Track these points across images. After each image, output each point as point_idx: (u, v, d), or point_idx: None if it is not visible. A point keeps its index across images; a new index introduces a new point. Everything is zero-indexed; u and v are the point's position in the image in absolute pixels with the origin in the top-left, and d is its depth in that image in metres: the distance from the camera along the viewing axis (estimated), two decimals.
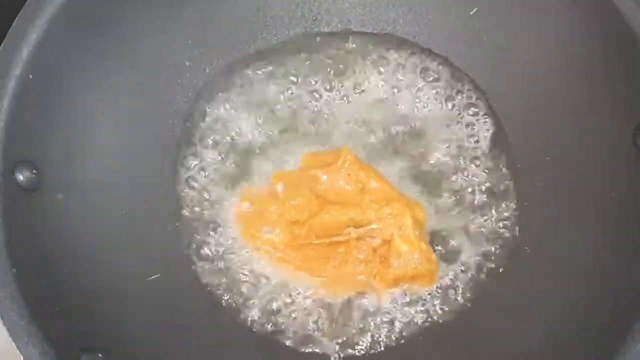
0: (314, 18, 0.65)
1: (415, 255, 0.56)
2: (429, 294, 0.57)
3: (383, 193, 0.57)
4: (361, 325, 0.56)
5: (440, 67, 0.63)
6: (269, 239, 0.57)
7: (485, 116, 0.62)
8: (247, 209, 0.59)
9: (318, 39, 0.65)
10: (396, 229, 0.56)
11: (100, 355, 0.46)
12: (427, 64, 0.64)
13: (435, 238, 0.59)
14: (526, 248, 0.58)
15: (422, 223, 0.57)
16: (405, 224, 0.56)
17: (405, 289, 0.57)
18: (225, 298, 0.57)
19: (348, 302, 0.56)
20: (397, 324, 0.56)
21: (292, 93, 0.63)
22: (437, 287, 0.57)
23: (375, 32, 0.65)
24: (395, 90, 0.63)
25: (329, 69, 0.63)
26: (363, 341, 0.56)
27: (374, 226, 0.56)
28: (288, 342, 0.56)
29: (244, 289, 0.57)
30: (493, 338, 0.54)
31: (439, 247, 0.58)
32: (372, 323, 0.56)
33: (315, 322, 0.56)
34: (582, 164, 0.55)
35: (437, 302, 0.56)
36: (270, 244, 0.57)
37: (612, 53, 0.52)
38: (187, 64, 0.62)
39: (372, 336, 0.56)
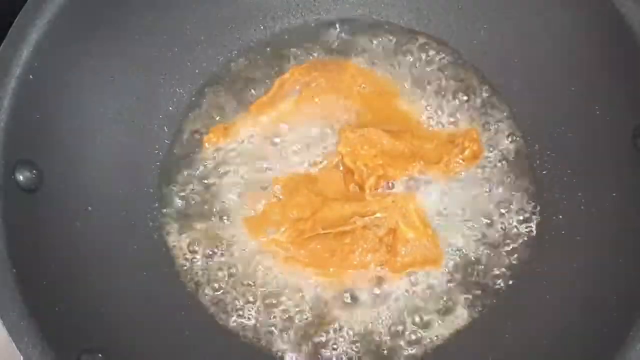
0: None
1: (423, 241, 0.56)
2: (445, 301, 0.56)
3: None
4: (362, 332, 0.55)
5: (442, 54, 0.64)
6: (275, 238, 0.58)
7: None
8: (253, 214, 0.59)
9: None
10: (400, 217, 0.56)
11: (100, 355, 0.46)
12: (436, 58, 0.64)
13: None
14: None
15: (423, 210, 0.58)
16: (409, 211, 0.57)
17: (414, 279, 0.56)
18: (228, 302, 0.56)
19: (352, 305, 0.56)
20: (407, 326, 0.55)
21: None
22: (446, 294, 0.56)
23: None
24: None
25: None
26: (372, 344, 0.55)
27: (378, 215, 0.57)
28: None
29: (248, 293, 0.57)
30: (498, 339, 0.54)
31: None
32: (379, 329, 0.55)
33: (321, 329, 0.55)
34: (582, 164, 0.55)
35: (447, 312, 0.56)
36: (277, 243, 0.58)
37: (612, 53, 0.52)
38: (188, 64, 0.63)
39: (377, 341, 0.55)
